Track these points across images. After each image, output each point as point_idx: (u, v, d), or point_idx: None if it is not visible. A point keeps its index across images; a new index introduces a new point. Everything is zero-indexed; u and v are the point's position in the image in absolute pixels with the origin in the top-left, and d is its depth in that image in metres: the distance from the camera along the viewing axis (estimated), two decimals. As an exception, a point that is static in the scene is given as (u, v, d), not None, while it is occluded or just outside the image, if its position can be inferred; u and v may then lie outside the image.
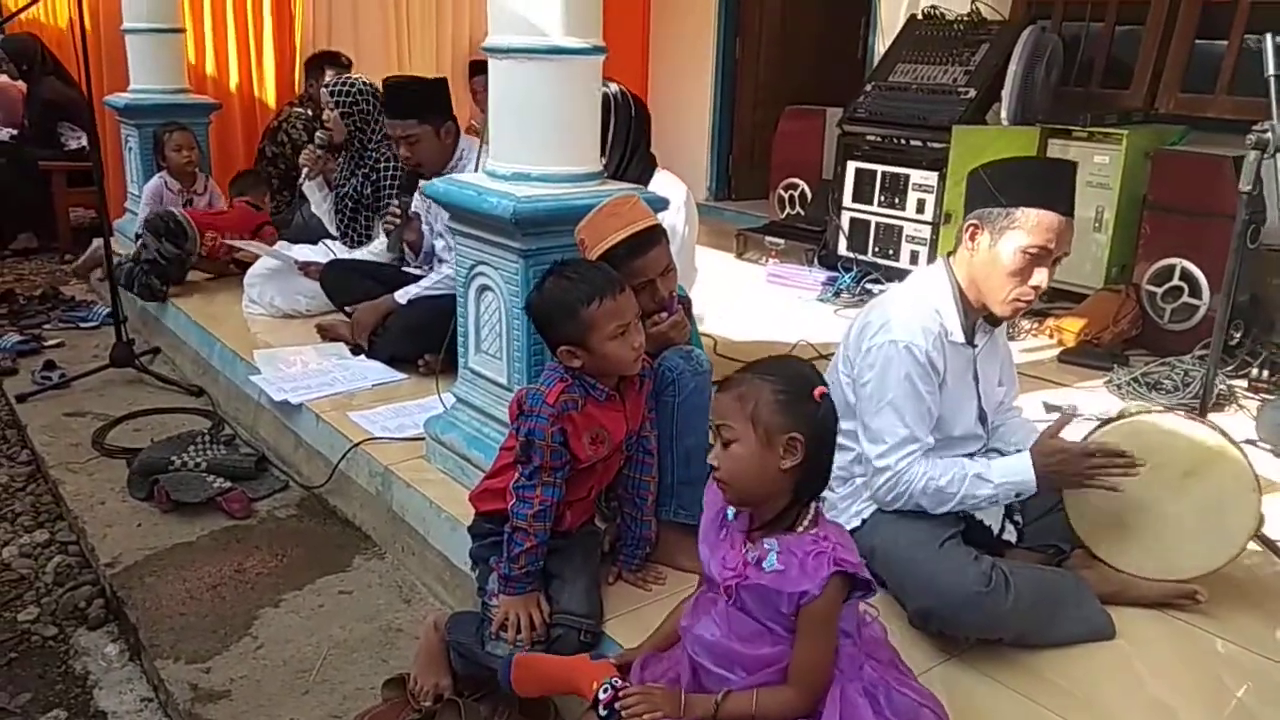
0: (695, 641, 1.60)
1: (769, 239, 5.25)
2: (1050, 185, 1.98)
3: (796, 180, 5.50)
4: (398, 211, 3.58)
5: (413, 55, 5.87)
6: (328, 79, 4.43)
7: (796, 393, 1.49)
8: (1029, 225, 1.94)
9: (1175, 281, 3.72)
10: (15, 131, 6.52)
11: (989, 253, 1.98)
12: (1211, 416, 2.83)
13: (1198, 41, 4.31)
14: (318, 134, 3.96)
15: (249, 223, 4.37)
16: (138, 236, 4.21)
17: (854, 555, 1.50)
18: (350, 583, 2.50)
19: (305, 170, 3.98)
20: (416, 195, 3.61)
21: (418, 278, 3.49)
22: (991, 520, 2.07)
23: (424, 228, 3.59)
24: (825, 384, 1.53)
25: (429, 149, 3.39)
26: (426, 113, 3.35)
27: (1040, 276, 1.96)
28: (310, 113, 5.03)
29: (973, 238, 2.02)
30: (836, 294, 4.56)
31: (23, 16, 5.77)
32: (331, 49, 5.21)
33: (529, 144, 2.30)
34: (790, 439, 1.48)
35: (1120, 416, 2.07)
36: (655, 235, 2.09)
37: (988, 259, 1.99)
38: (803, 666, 1.50)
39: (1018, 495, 1.99)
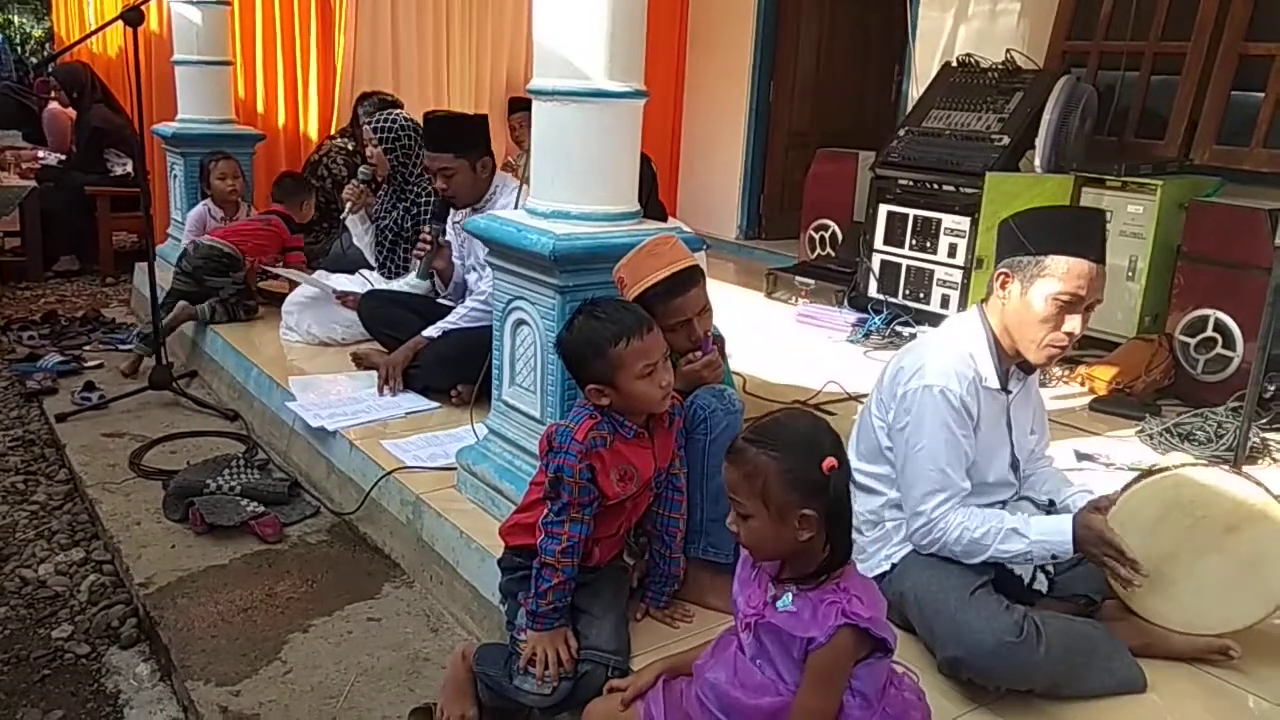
0: (705, 684, 1.61)
1: (799, 279, 5.27)
2: (1080, 233, 2.00)
3: (827, 221, 5.54)
4: (429, 238, 3.63)
5: (451, 91, 5.98)
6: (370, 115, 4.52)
7: (805, 468, 1.46)
8: (1060, 272, 1.95)
9: (1209, 332, 3.70)
10: (63, 156, 6.70)
11: (1021, 301, 2.00)
12: (1245, 469, 2.81)
13: (1234, 93, 4.32)
14: (361, 169, 4.04)
15: (276, 242, 4.36)
16: (191, 275, 4.22)
17: (870, 610, 1.48)
18: (379, 610, 2.52)
19: (349, 204, 4.06)
20: (449, 225, 3.67)
21: (452, 309, 3.53)
22: (1022, 569, 2.05)
23: (455, 259, 3.64)
24: (837, 451, 1.49)
25: (463, 183, 3.44)
26: (463, 148, 3.39)
27: (1073, 324, 1.97)
28: (351, 146, 5.13)
29: (1004, 286, 2.04)
30: (866, 335, 4.57)
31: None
32: (377, 89, 5.32)
33: (569, 183, 2.35)
34: (803, 515, 1.47)
35: (1164, 469, 2.06)
36: (693, 275, 2.12)
37: (1020, 307, 2.00)
38: (798, 715, 1.50)
39: (1054, 557, 1.97)
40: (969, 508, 2.00)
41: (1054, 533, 1.95)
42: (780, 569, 1.56)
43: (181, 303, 4.21)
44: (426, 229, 3.69)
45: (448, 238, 3.67)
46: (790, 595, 1.51)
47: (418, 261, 3.71)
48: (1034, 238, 2.00)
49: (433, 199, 3.86)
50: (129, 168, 6.25)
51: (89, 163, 6.27)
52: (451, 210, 3.66)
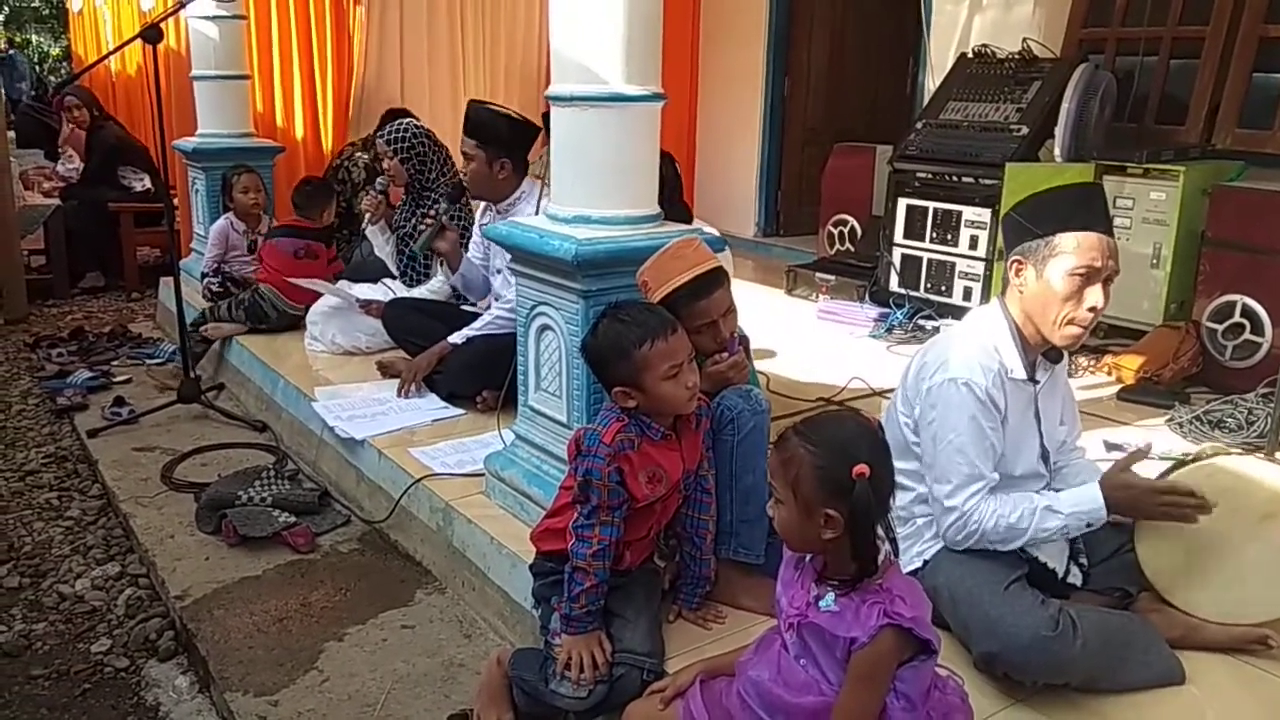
0: (747, 681, 1.61)
1: (819, 275, 5.25)
2: (1082, 208, 2.00)
3: (846, 216, 5.52)
4: (433, 214, 3.65)
5: (468, 100, 6.01)
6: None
7: (836, 468, 1.47)
8: (1070, 248, 1.95)
9: (1236, 318, 3.66)
10: (76, 167, 6.77)
11: (1038, 284, 1.99)
12: (1277, 455, 2.79)
13: (1255, 75, 4.27)
14: (379, 180, 4.06)
15: (324, 270, 4.38)
16: (239, 305, 4.32)
17: (913, 610, 1.48)
18: (412, 617, 2.54)
19: (368, 215, 4.08)
20: (476, 228, 3.70)
21: (477, 315, 3.55)
22: (1056, 563, 2.05)
23: (479, 260, 3.66)
24: (878, 462, 1.48)
25: (477, 172, 3.45)
26: (485, 140, 3.40)
27: (1095, 296, 1.96)
28: (371, 157, 5.17)
29: (1018, 273, 2.03)
30: (889, 330, 4.55)
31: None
32: (401, 105, 5.38)
33: (589, 188, 2.35)
34: (827, 515, 1.48)
35: (1197, 458, 2.05)
36: (718, 277, 2.13)
37: (1038, 290, 1.99)
38: (840, 715, 1.50)
39: (1088, 525, 1.98)
40: (999, 495, 1.99)
41: (1085, 501, 1.96)
42: (823, 568, 1.57)
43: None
44: (435, 208, 3.73)
45: (450, 220, 3.69)
46: (833, 595, 1.51)
47: (422, 230, 3.71)
48: (1038, 221, 2.00)
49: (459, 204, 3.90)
50: (147, 183, 6.32)
51: (102, 178, 6.35)
52: (479, 210, 3.68)
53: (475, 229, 3.73)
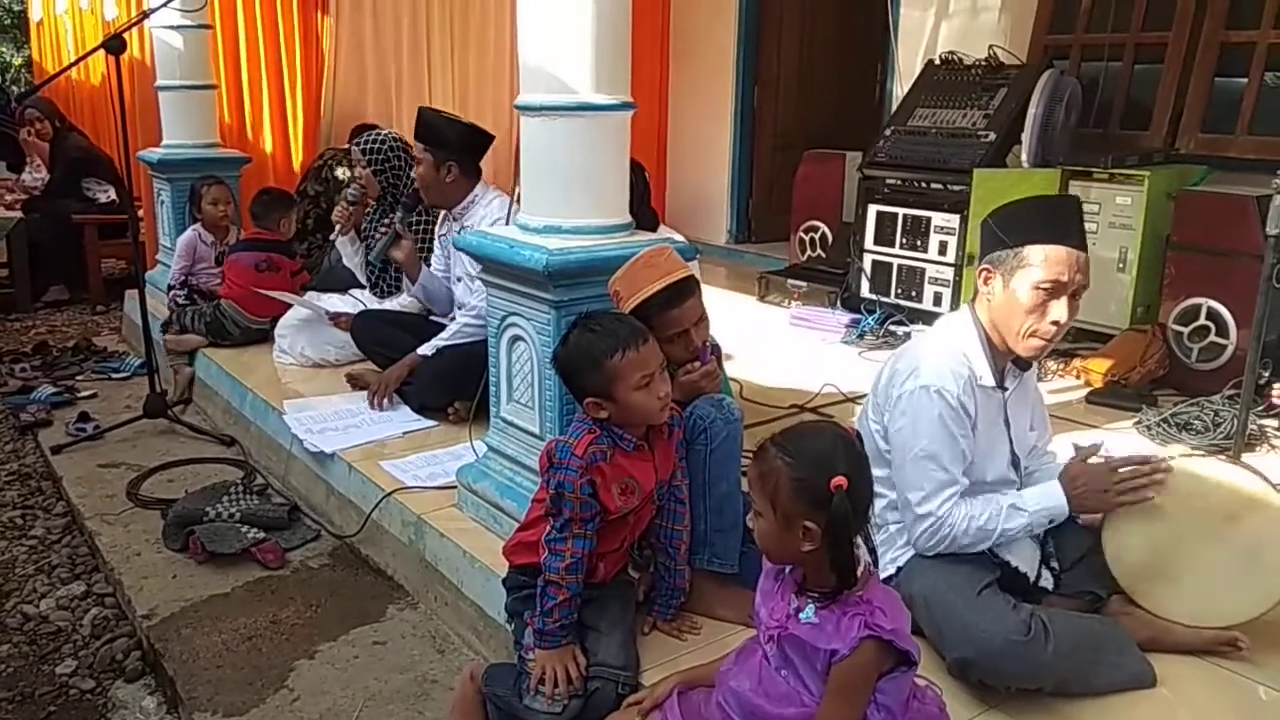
0: (728, 691, 1.61)
1: (791, 281, 5.27)
2: (1054, 221, 2.01)
3: (817, 223, 5.54)
4: (388, 222, 3.65)
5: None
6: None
7: (813, 480, 1.47)
8: (1038, 261, 1.96)
9: (1201, 321, 3.71)
10: (43, 179, 6.67)
11: (1004, 294, 2.01)
12: (1243, 457, 2.82)
13: (1217, 80, 4.33)
14: (349, 190, 4.03)
15: (287, 283, 4.33)
16: (200, 318, 4.29)
17: (893, 622, 1.48)
18: (384, 633, 2.51)
19: (338, 226, 4.05)
20: (436, 236, 3.69)
21: (445, 327, 3.52)
22: (1028, 567, 2.06)
23: (440, 269, 3.64)
24: (856, 474, 1.48)
25: (425, 176, 3.48)
26: (431, 144, 3.44)
27: (1059, 311, 1.97)
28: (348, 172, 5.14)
29: (986, 282, 2.05)
30: (860, 336, 4.57)
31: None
32: (368, 121, 5.36)
33: (560, 197, 2.34)
34: (805, 527, 1.48)
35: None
36: (690, 286, 2.12)
37: (1004, 300, 2.01)
38: None
39: (1050, 521, 2.04)
40: (967, 499, 2.01)
41: (1046, 498, 2.02)
42: (803, 580, 1.56)
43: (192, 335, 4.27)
44: (393, 216, 3.74)
45: (406, 229, 3.71)
46: (813, 607, 1.51)
47: (380, 238, 3.73)
48: (1010, 231, 2.01)
49: (427, 219, 3.88)
50: (111, 194, 6.24)
51: (66, 190, 6.26)
52: (440, 219, 3.68)
53: (436, 241, 3.72)
